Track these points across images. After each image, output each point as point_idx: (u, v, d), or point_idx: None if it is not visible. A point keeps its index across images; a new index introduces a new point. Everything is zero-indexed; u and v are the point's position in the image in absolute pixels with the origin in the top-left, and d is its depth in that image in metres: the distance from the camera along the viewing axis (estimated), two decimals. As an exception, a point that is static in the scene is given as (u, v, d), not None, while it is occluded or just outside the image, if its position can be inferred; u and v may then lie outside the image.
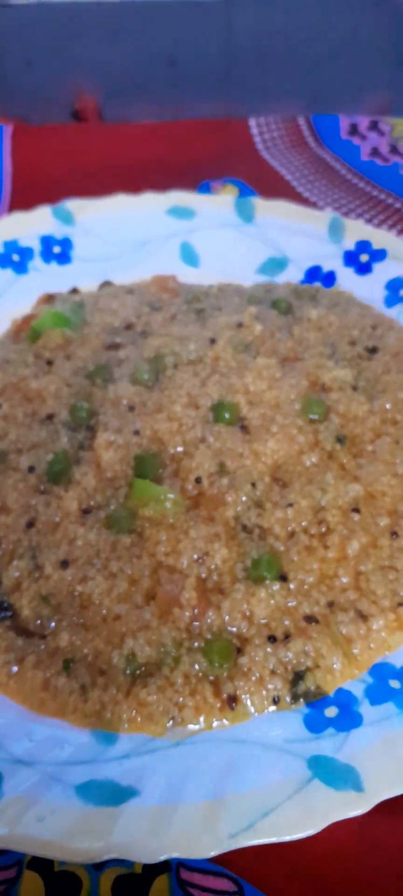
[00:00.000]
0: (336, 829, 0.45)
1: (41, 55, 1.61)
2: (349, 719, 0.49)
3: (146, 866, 0.45)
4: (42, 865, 0.45)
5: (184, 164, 1.00)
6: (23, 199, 0.97)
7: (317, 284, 0.82)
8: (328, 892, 0.44)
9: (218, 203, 0.87)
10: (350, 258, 0.82)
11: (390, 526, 0.59)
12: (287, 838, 0.43)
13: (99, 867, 0.45)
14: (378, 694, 0.50)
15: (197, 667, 0.51)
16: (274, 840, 0.43)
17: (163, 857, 0.42)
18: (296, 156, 1.03)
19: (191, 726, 0.50)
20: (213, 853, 0.42)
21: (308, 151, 1.03)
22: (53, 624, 0.53)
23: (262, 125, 1.08)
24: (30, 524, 0.58)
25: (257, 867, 0.45)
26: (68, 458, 0.61)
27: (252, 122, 1.08)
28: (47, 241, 0.84)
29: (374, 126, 1.08)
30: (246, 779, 0.46)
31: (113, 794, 0.45)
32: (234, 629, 0.53)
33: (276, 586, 0.54)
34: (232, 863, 0.45)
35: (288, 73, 1.54)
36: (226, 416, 0.65)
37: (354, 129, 1.07)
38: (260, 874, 0.45)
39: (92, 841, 0.42)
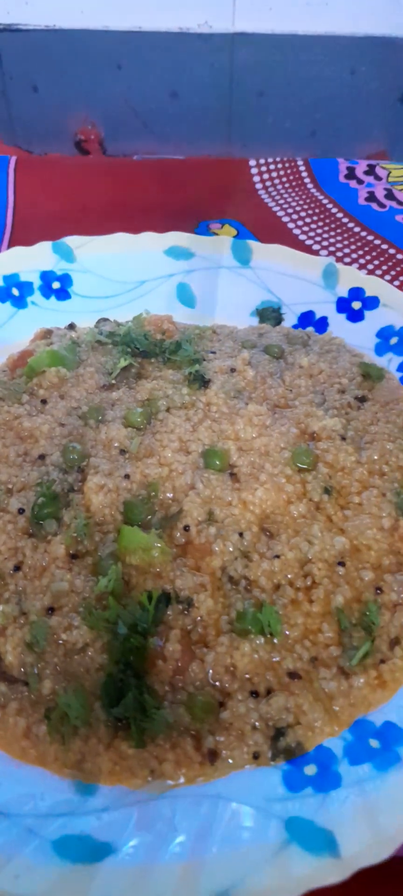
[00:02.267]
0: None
1: (47, 81, 1.64)
2: (328, 779, 0.49)
3: (121, 926, 0.45)
4: (17, 921, 0.45)
5: (184, 201, 1.01)
6: (24, 231, 0.98)
7: (310, 330, 0.83)
8: None
9: (216, 245, 0.88)
10: (343, 305, 0.83)
11: (374, 580, 0.59)
12: (262, 904, 0.43)
13: (74, 925, 0.45)
14: (357, 753, 0.51)
15: (178, 720, 0.51)
16: (249, 905, 0.43)
17: (137, 921, 0.42)
18: (294, 197, 1.04)
19: (170, 780, 0.50)
20: (188, 918, 0.42)
21: (306, 193, 1.05)
22: (36, 670, 0.53)
23: (262, 166, 1.10)
24: (17, 567, 0.59)
25: (233, 929, 0.45)
26: (58, 501, 0.62)
27: (252, 163, 1.10)
28: (47, 277, 0.85)
29: (371, 170, 1.09)
30: (224, 838, 0.46)
31: (90, 852, 0.45)
32: (217, 683, 0.53)
33: (260, 640, 0.55)
34: (207, 924, 0.45)
35: (287, 111, 1.56)
36: (217, 462, 0.66)
37: (351, 173, 1.09)
38: None
39: (67, 901, 0.42)
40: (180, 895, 0.43)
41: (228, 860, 0.44)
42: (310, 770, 0.50)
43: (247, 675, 0.54)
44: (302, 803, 0.48)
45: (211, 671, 0.53)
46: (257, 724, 0.51)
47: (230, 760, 0.51)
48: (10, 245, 0.95)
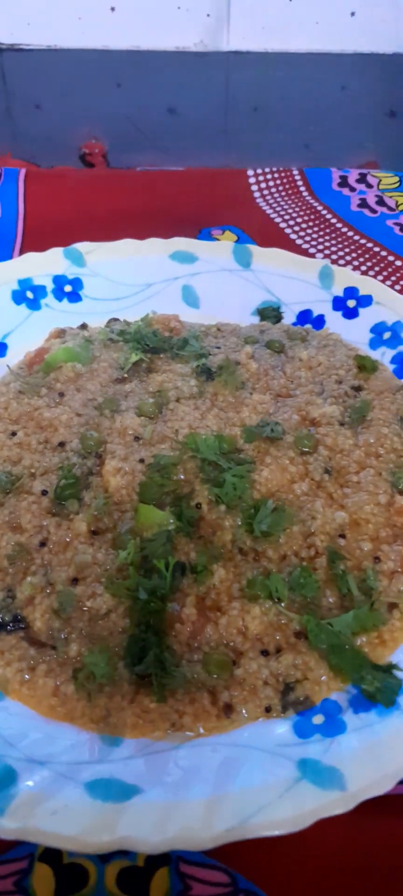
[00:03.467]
0: (325, 827, 0.50)
1: (49, 99, 1.70)
2: (334, 726, 0.54)
3: (148, 859, 0.49)
4: (52, 858, 0.49)
5: (186, 210, 1.07)
6: (34, 240, 1.03)
7: (308, 326, 0.88)
8: (315, 880, 0.49)
9: (218, 249, 0.94)
10: (339, 303, 0.89)
11: (372, 550, 0.64)
12: (277, 833, 0.47)
13: (105, 859, 0.49)
14: (360, 703, 0.55)
15: (196, 676, 0.56)
16: (266, 835, 0.47)
17: (164, 850, 0.46)
18: (291, 205, 1.10)
19: (189, 732, 0.54)
20: (210, 847, 0.46)
21: (301, 201, 1.11)
22: (64, 635, 0.58)
23: (259, 175, 1.16)
24: (42, 543, 0.63)
25: (249, 861, 0.49)
26: (78, 483, 0.66)
27: (250, 173, 1.16)
28: (59, 281, 0.90)
29: (363, 179, 1.16)
30: (240, 779, 0.50)
31: (119, 792, 0.49)
32: (230, 643, 0.58)
33: (269, 604, 0.59)
34: (226, 857, 0.49)
35: (282, 125, 1.63)
36: (224, 447, 0.71)
37: (344, 181, 1.15)
38: (251, 867, 0.49)
39: (100, 834, 0.46)
40: (202, 826, 0.47)
41: (244, 796, 0.49)
42: (318, 719, 0.55)
43: (257, 636, 0.58)
44: (311, 747, 0.52)
45: (224, 632, 0.58)
46: (268, 679, 0.56)
47: (244, 713, 0.55)
48: (22, 252, 1.00)
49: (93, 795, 0.49)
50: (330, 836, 0.51)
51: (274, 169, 1.15)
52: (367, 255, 1.01)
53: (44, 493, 0.66)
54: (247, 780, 0.50)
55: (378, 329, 0.86)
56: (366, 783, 0.49)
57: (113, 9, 1.72)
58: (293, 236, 1.04)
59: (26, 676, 0.56)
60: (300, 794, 0.49)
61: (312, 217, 1.07)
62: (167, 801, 0.49)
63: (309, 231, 1.05)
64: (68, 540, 0.63)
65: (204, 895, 0.48)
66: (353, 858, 0.50)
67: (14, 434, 0.72)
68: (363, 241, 1.03)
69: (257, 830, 0.47)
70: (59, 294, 0.90)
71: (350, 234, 1.04)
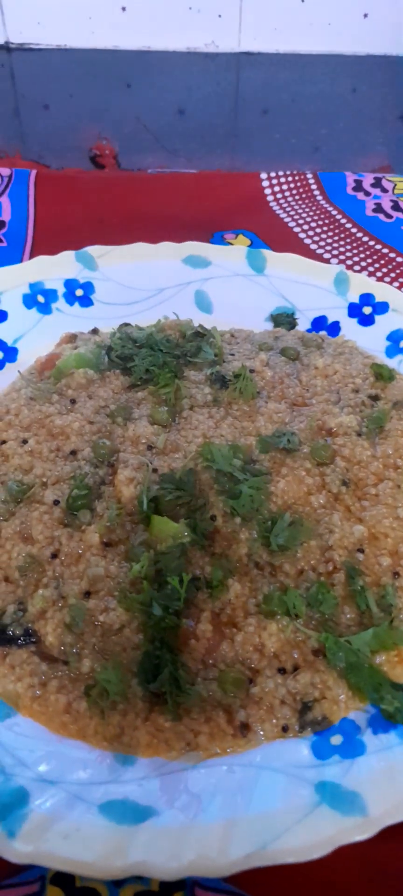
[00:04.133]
0: (342, 851, 0.48)
1: (59, 99, 1.69)
2: (353, 747, 0.52)
3: (163, 884, 0.48)
4: (64, 881, 0.48)
5: (198, 213, 1.05)
6: (44, 242, 1.02)
7: (323, 333, 0.87)
8: (334, 911, 0.47)
9: (231, 254, 0.92)
10: (354, 310, 0.87)
11: (392, 566, 0.62)
12: (296, 860, 0.46)
13: (118, 884, 0.48)
14: (380, 724, 0.54)
15: (211, 694, 0.54)
16: (284, 862, 0.46)
17: (180, 877, 0.45)
18: (305, 209, 1.08)
19: (204, 752, 0.53)
20: (227, 874, 0.45)
21: (316, 205, 1.09)
22: (76, 650, 0.56)
23: (273, 179, 1.14)
24: (54, 555, 0.62)
25: (266, 887, 0.48)
26: (91, 493, 0.65)
27: (263, 176, 1.14)
28: (70, 285, 0.88)
29: (377, 183, 1.14)
30: (257, 801, 0.49)
31: (133, 814, 0.48)
32: (246, 661, 0.57)
33: (286, 621, 0.58)
34: (243, 883, 0.48)
35: (292, 127, 1.62)
36: (240, 458, 0.69)
37: (359, 185, 1.13)
38: (269, 893, 0.48)
39: (114, 860, 0.45)
40: (219, 851, 0.46)
41: (262, 820, 0.47)
42: (336, 740, 0.53)
43: (274, 653, 0.57)
44: (329, 769, 0.51)
45: (240, 649, 0.56)
46: (285, 698, 0.55)
47: (261, 733, 0.54)
48: (32, 255, 0.99)
49: (106, 817, 0.48)
50: (350, 863, 0.49)
51: (288, 172, 1.14)
52: (383, 261, 0.99)
53: (56, 503, 0.65)
54: (265, 803, 0.49)
55: (394, 337, 0.85)
56: (387, 808, 0.48)
57: (124, 9, 1.71)
58: (307, 241, 1.02)
59: (38, 692, 0.55)
60: (319, 820, 0.47)
61: (326, 221, 1.06)
62: (182, 824, 0.48)
63: (323, 236, 1.03)
64: (80, 552, 0.62)
65: (221, 922, 0.46)
66: (371, 884, 0.49)
67: (25, 442, 0.70)
68: (378, 247, 1.01)
69: (275, 857, 0.46)
70: (71, 298, 0.88)
71: (366, 239, 1.02)
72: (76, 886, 0.48)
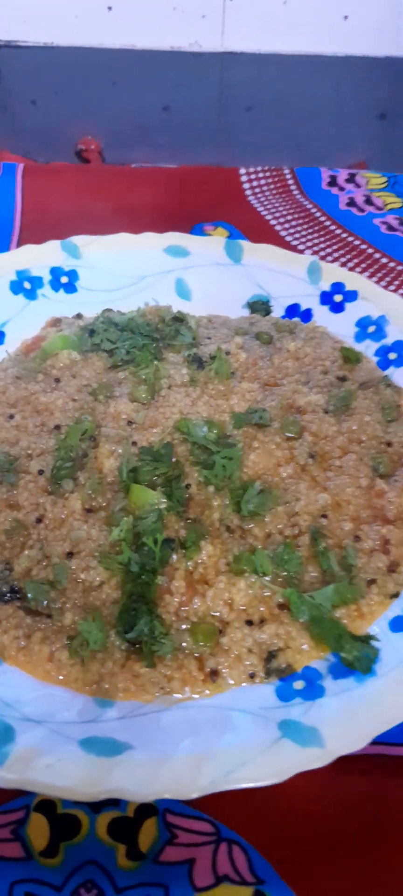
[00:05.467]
0: (304, 784, 0.53)
1: (45, 96, 1.73)
2: (314, 691, 0.57)
3: (137, 810, 0.53)
4: (47, 808, 0.52)
5: (180, 206, 1.10)
6: (31, 233, 1.06)
7: (296, 320, 0.92)
8: (294, 831, 0.52)
9: (210, 245, 0.97)
10: (326, 298, 0.92)
11: (353, 530, 0.67)
12: (259, 784, 0.50)
13: (96, 809, 0.52)
14: (340, 671, 0.59)
15: (184, 645, 0.59)
16: (248, 786, 0.50)
17: (153, 798, 0.50)
18: (281, 203, 1.13)
19: (177, 695, 0.57)
20: (196, 796, 0.50)
21: (291, 199, 1.14)
22: (59, 605, 0.61)
23: (251, 174, 1.19)
24: (39, 520, 0.66)
25: (232, 812, 0.53)
26: (74, 464, 0.70)
27: (242, 171, 1.19)
28: (56, 272, 0.93)
29: (352, 179, 1.19)
30: (225, 737, 0.53)
31: (111, 748, 0.52)
32: (217, 614, 0.61)
33: (254, 578, 0.63)
34: (210, 808, 0.53)
35: (275, 125, 1.67)
36: (214, 432, 0.74)
37: (333, 181, 1.19)
38: (234, 818, 0.52)
39: (92, 785, 0.50)
40: (189, 777, 0.50)
41: (229, 752, 0.52)
42: (299, 685, 0.58)
43: (243, 607, 0.62)
44: (292, 709, 0.56)
45: (211, 603, 0.61)
46: (252, 648, 0.59)
47: (230, 679, 0.58)
48: (19, 245, 1.03)
49: (86, 750, 0.52)
50: (309, 793, 0.54)
51: (266, 168, 1.19)
52: (354, 253, 1.04)
53: (40, 472, 0.69)
54: (231, 738, 0.53)
55: (363, 323, 0.90)
56: (343, 741, 0.53)
57: (110, 8, 1.75)
58: (283, 233, 1.07)
59: (22, 643, 0.59)
60: (281, 751, 0.52)
61: (302, 215, 1.11)
62: (156, 757, 0.52)
63: (298, 228, 1.08)
64: (63, 517, 0.66)
65: (190, 843, 0.51)
66: (330, 812, 0.54)
67: (11, 417, 0.75)
68: (350, 239, 1.06)
69: (239, 782, 0.50)
70: (56, 285, 0.93)
71: (339, 231, 1.08)
72: (57, 813, 0.52)
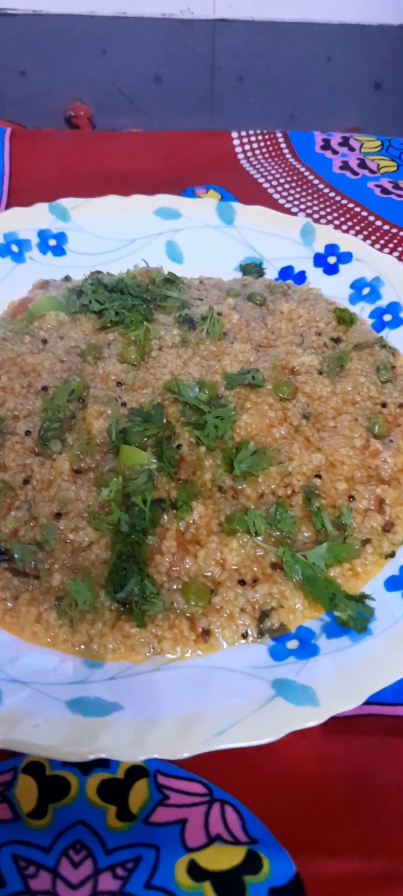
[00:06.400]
0: (297, 744, 0.52)
1: (34, 65, 1.69)
2: (308, 650, 0.56)
3: (128, 772, 0.51)
4: (35, 770, 0.51)
5: (170, 170, 1.07)
6: (19, 197, 1.03)
7: (289, 282, 0.90)
8: (286, 791, 0.51)
9: (202, 206, 0.95)
10: (320, 260, 0.91)
11: (347, 490, 0.66)
12: (253, 743, 0.49)
13: (86, 771, 0.51)
14: (334, 630, 0.57)
15: (175, 605, 0.58)
16: (241, 745, 0.49)
17: (142, 758, 0.48)
18: (274, 166, 1.11)
19: (168, 655, 0.56)
20: (187, 755, 0.48)
21: (284, 163, 1.12)
22: (47, 566, 0.59)
23: (243, 138, 1.17)
24: (26, 481, 0.64)
25: (224, 773, 0.51)
26: (62, 424, 0.68)
27: (234, 135, 1.17)
28: (44, 235, 0.90)
29: (345, 142, 1.17)
30: (216, 697, 0.52)
31: (100, 708, 0.51)
32: (209, 574, 0.60)
33: (246, 538, 0.61)
34: (203, 769, 0.52)
35: (267, 94, 1.64)
36: (205, 393, 0.72)
37: (327, 144, 1.16)
38: (227, 778, 0.51)
39: (80, 745, 0.48)
40: (179, 737, 0.49)
41: (221, 711, 0.51)
42: (292, 644, 0.57)
43: (235, 567, 0.60)
44: (285, 668, 0.55)
45: (202, 563, 0.60)
46: (245, 607, 0.58)
47: (222, 640, 0.57)
48: (7, 209, 1.00)
49: (74, 711, 0.51)
50: (303, 754, 0.53)
51: (259, 132, 1.16)
52: (348, 215, 1.02)
53: (27, 433, 0.67)
54: (224, 698, 0.52)
55: (357, 285, 0.88)
56: (338, 700, 0.52)
57: (99, -28, 1.70)
58: (276, 196, 1.05)
59: (9, 605, 0.58)
60: (274, 710, 0.51)
61: (295, 178, 1.09)
62: (146, 716, 0.51)
63: (291, 192, 1.06)
64: (51, 478, 0.65)
65: (182, 804, 0.50)
66: (322, 773, 0.52)
67: (-2, 378, 0.73)
68: (344, 202, 1.04)
69: (233, 740, 0.49)
70: (44, 248, 0.90)
71: (332, 194, 1.06)
72: (46, 775, 0.51)
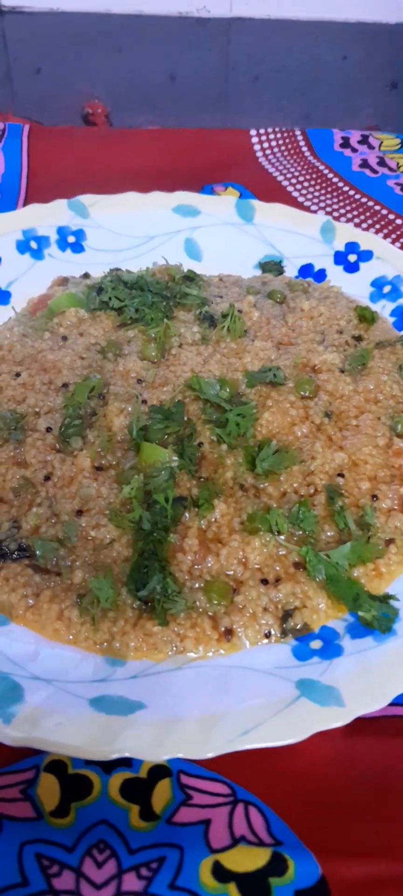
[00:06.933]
0: (319, 746, 0.51)
1: (50, 63, 1.69)
2: (332, 650, 0.55)
3: (151, 771, 0.51)
4: (57, 769, 0.51)
5: (189, 168, 1.07)
6: (37, 194, 1.03)
7: (309, 279, 0.89)
8: (310, 792, 0.50)
9: (221, 204, 0.94)
10: (340, 258, 0.90)
11: (370, 489, 0.65)
12: (278, 743, 0.49)
13: (108, 770, 0.51)
14: (358, 630, 0.57)
15: (197, 603, 0.57)
16: (266, 745, 0.48)
17: (166, 757, 0.48)
18: (293, 164, 1.10)
19: (191, 654, 0.55)
20: (211, 755, 0.48)
21: (303, 161, 1.11)
22: (68, 563, 0.59)
23: (262, 135, 1.16)
24: (47, 477, 0.64)
25: (248, 774, 0.51)
26: (83, 421, 0.67)
27: (252, 132, 1.16)
28: (63, 231, 0.90)
29: (364, 140, 1.16)
30: (240, 696, 0.52)
31: (123, 707, 0.51)
32: (231, 572, 0.59)
33: (269, 537, 0.61)
34: (226, 770, 0.51)
35: (282, 93, 1.63)
36: (226, 391, 0.72)
37: (346, 142, 1.15)
38: (251, 779, 0.51)
39: (102, 744, 0.48)
40: (203, 736, 0.48)
41: (245, 712, 0.50)
42: (316, 644, 0.56)
43: (257, 566, 0.60)
44: (309, 668, 0.54)
45: (225, 562, 0.59)
46: (268, 606, 0.57)
47: (245, 640, 0.56)
48: (25, 205, 1.00)
49: (97, 709, 0.50)
50: (325, 754, 0.52)
51: (277, 129, 1.15)
52: (368, 213, 1.01)
53: (48, 430, 0.67)
54: (247, 697, 0.52)
55: (378, 283, 0.87)
56: (363, 701, 0.51)
57: (115, -29, 1.70)
58: (295, 194, 1.04)
59: (30, 602, 0.57)
60: (299, 710, 0.50)
61: (314, 176, 1.08)
62: (168, 716, 0.50)
63: (310, 189, 1.05)
64: (72, 475, 0.64)
65: (205, 804, 0.49)
66: (345, 774, 0.52)
67: (18, 375, 0.72)
68: (363, 200, 1.03)
69: (257, 741, 0.48)
70: (63, 244, 0.90)
71: (352, 192, 1.05)
72: (68, 773, 0.51)
